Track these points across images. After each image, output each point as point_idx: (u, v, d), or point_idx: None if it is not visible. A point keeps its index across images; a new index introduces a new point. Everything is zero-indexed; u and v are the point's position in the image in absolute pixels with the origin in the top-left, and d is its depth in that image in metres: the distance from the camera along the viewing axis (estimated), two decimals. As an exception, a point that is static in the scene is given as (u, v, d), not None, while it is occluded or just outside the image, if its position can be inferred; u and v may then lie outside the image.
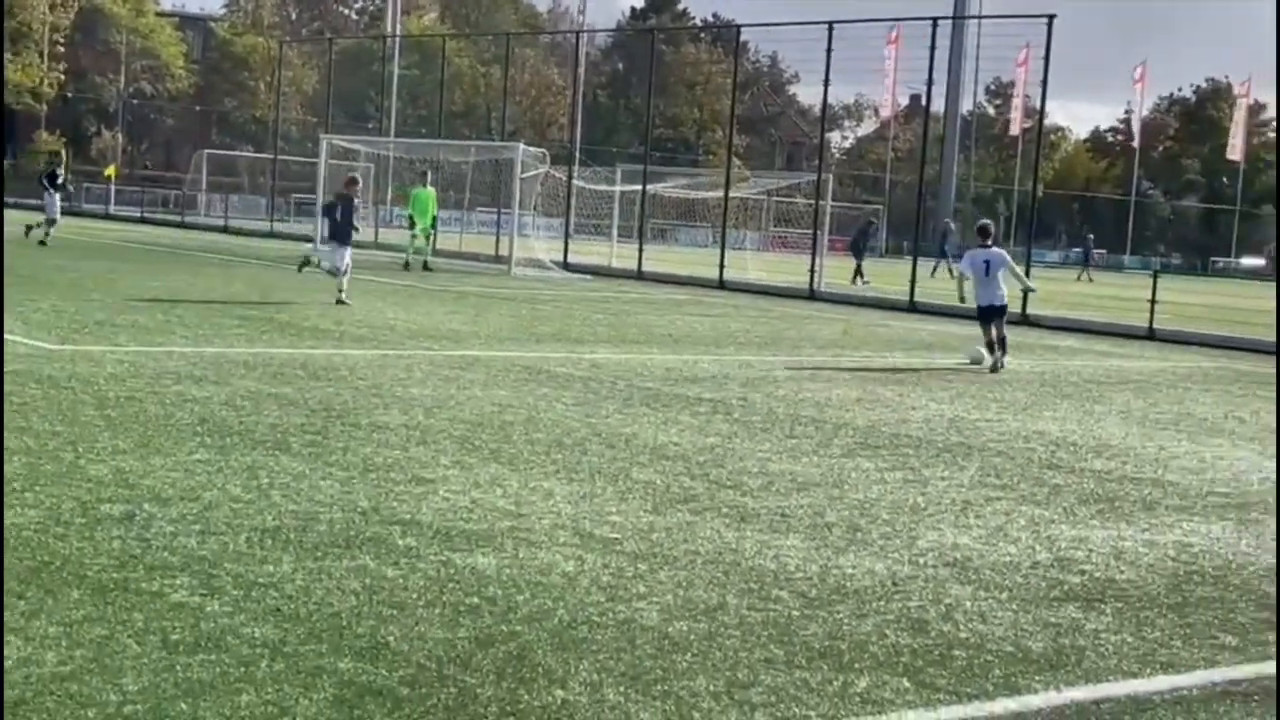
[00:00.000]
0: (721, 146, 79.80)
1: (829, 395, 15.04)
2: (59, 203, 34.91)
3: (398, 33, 74.87)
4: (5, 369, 12.29)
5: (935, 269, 47.62)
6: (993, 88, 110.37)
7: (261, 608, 6.05)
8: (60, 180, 35.58)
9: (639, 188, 42.69)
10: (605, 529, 7.97)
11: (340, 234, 22.77)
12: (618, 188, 44.82)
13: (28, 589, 6.06)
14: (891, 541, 8.22)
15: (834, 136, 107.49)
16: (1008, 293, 20.19)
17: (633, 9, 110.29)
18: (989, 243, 20.10)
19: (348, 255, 22.72)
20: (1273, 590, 7.71)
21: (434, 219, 36.22)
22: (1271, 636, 6.81)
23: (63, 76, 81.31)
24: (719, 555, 7.57)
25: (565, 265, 38.65)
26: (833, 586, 7.11)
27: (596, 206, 44.37)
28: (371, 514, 7.91)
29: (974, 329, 23.25)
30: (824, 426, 12.62)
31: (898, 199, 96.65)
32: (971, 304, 19.98)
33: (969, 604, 6.97)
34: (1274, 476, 11.59)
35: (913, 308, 32.16)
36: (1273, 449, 13.28)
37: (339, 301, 21.93)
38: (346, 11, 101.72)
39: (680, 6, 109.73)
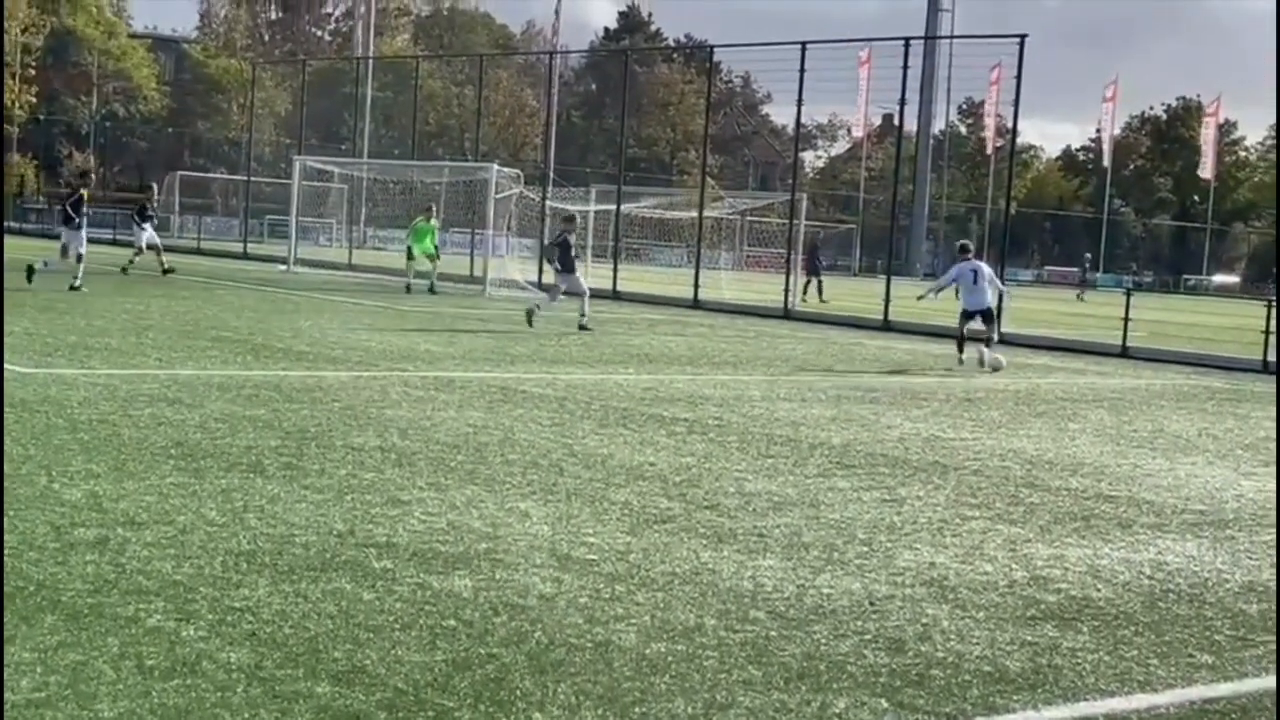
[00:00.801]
0: (695, 166, 79.97)
1: (804, 414, 15.06)
2: (150, 233, 35.04)
3: (370, 54, 74.90)
4: (-23, 393, 12.24)
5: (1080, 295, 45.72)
6: (965, 107, 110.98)
7: (237, 632, 6.02)
8: (149, 214, 35.60)
9: (613, 208, 42.73)
10: (582, 550, 7.95)
11: (567, 265, 26.24)
12: (591, 208, 44.85)
13: (1, 615, 6.02)
14: (868, 561, 8.22)
15: (807, 156, 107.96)
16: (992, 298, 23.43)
17: (606, 30, 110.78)
18: (970, 256, 23.67)
19: (580, 283, 26.26)
20: (1249, 608, 7.73)
21: (436, 248, 36.60)
22: (1248, 654, 6.82)
23: (34, 99, 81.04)
24: (696, 576, 7.56)
25: (540, 285, 38.63)
26: (810, 607, 7.10)
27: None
28: (348, 536, 7.88)
29: (948, 347, 23.33)
30: (800, 446, 12.63)
31: (871, 218, 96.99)
32: (944, 309, 22.75)
33: (946, 623, 6.98)
34: (1249, 493, 11.64)
35: (887, 326, 32.23)
36: (1247, 466, 13.34)
37: (583, 327, 25.09)
38: (319, 33, 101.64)
39: (653, 27, 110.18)
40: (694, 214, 42.34)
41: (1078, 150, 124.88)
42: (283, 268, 40.79)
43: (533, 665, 5.86)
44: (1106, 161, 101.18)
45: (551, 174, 47.80)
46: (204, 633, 5.98)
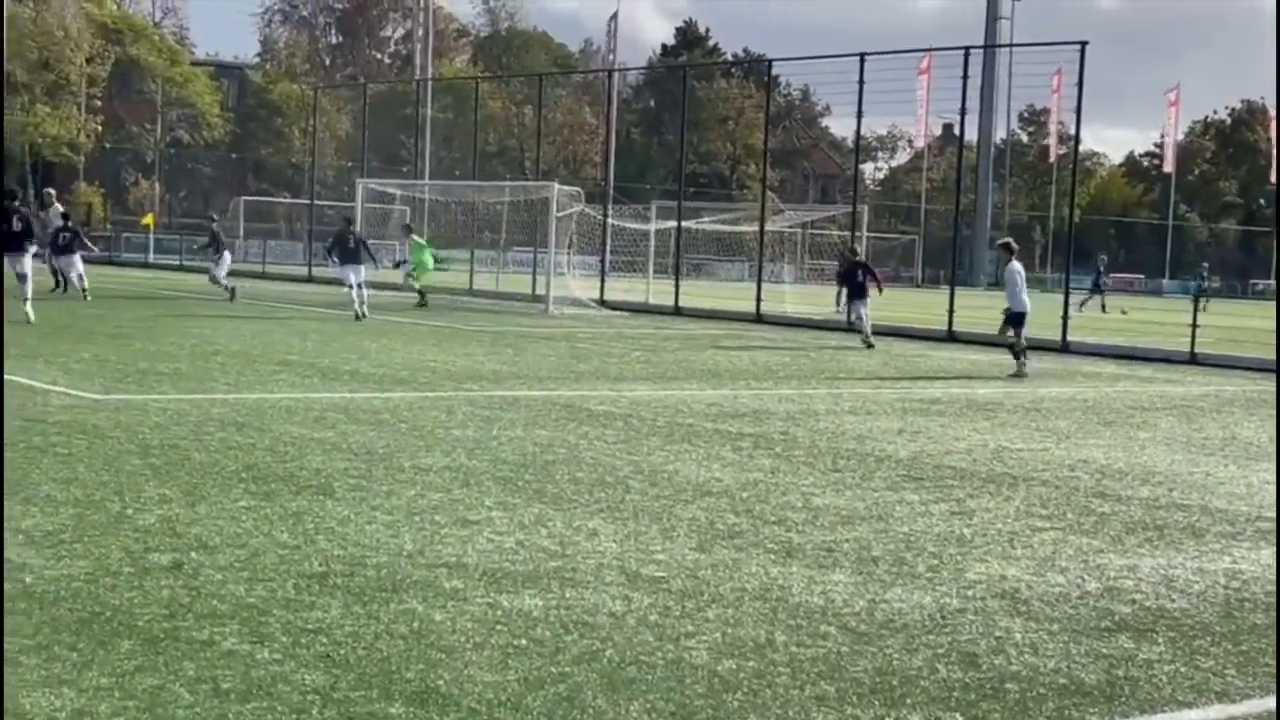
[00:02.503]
0: (755, 180, 79.92)
1: (870, 427, 15.00)
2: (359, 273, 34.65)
3: (429, 76, 75.35)
4: (50, 420, 12.40)
5: (1084, 303, 45.45)
6: (1026, 115, 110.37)
7: (311, 654, 6.06)
8: (352, 246, 34.62)
9: (674, 224, 42.76)
10: (651, 568, 7.96)
11: (856, 291, 29.10)
12: (652, 225, 44.90)
13: (79, 640, 6.09)
14: (939, 574, 8.18)
15: (868, 168, 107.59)
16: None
17: (664, 46, 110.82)
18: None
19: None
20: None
21: (433, 258, 37.88)
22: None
23: (100, 128, 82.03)
24: (766, 591, 7.55)
25: (602, 303, 38.71)
26: (881, 621, 7.07)
27: (632, 243, 44.44)
28: (417, 557, 7.92)
29: (1008, 358, 23.17)
30: (866, 459, 12.59)
31: (933, 228, 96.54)
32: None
33: (1020, 636, 6.93)
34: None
35: (951, 338, 32.06)
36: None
37: (867, 344, 27.39)
38: (379, 56, 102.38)
39: (711, 43, 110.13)
40: (755, 228, 42.29)
41: (1141, 156, 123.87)
42: (347, 289, 41.00)
43: (605, 683, 5.87)
44: (1170, 167, 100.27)
45: (612, 191, 47.90)
46: (278, 655, 6.02)
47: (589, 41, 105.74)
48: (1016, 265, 23.53)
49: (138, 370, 17.05)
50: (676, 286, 39.54)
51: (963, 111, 36.07)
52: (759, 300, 37.02)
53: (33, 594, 6.76)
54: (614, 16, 76.68)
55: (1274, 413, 18.83)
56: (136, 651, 5.97)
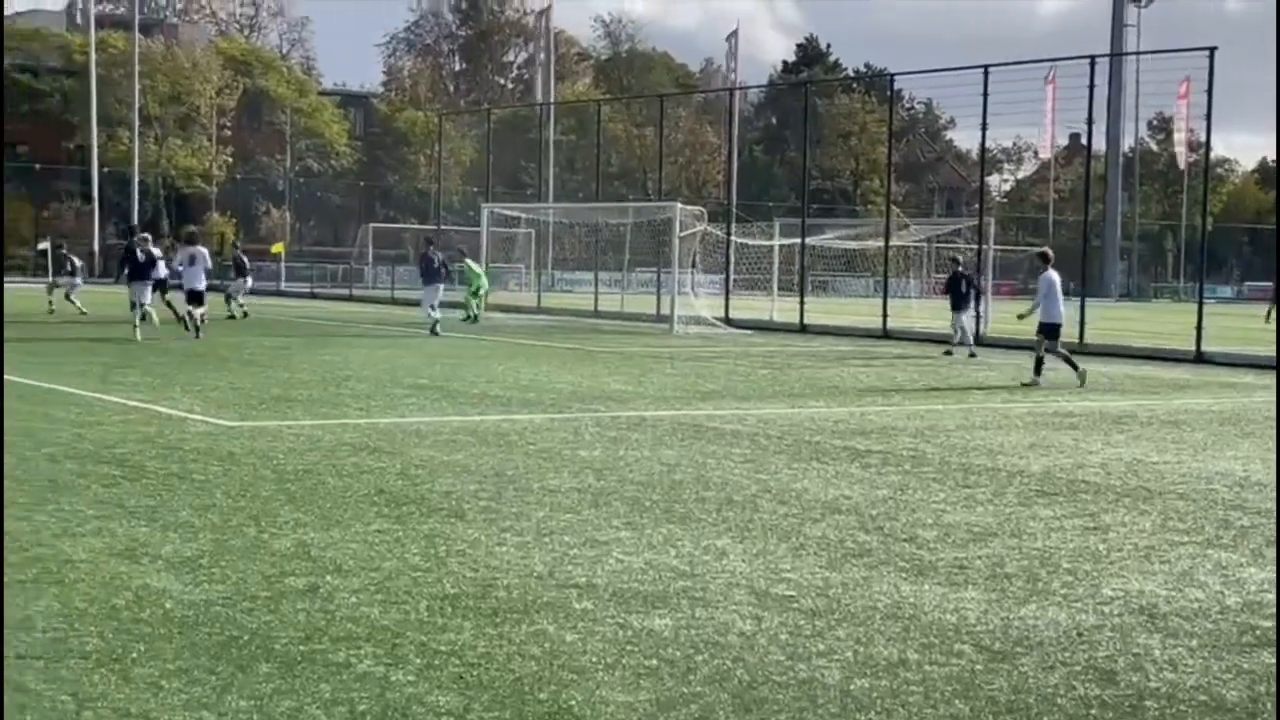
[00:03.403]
0: (879, 195, 79.46)
1: (1001, 442, 14.83)
2: (438, 292, 35.45)
3: (552, 100, 75.94)
4: (187, 447, 12.65)
5: (1270, 312, 44.09)
6: (1155, 122, 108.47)
7: (445, 675, 6.12)
8: (435, 266, 35.61)
9: (798, 241, 42.64)
10: (781, 587, 7.93)
11: (958, 302, 29.71)
12: (776, 242, 44.81)
13: (218, 664, 6.20)
14: (1074, 590, 8.06)
15: (993, 180, 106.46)
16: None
17: (784, 63, 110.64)
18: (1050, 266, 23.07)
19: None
20: None
21: (481, 285, 40.34)
22: None
23: (230, 159, 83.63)
24: (898, 610, 7.49)
25: (727, 321, 38.69)
26: (1016, 638, 6.98)
27: (756, 261, 44.38)
28: (548, 578, 7.96)
29: (1147, 369, 22.80)
30: (998, 475, 12.45)
31: (1062, 240, 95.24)
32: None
33: (1158, 653, 6.80)
34: None
35: (1082, 349, 31.57)
36: None
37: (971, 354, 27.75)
38: (502, 82, 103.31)
39: (832, 58, 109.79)
40: (880, 243, 42.04)
41: (1274, 162, 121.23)
42: (475, 315, 41.46)
43: (737, 704, 5.86)
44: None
45: (735, 209, 47.86)
46: (412, 677, 6.09)
47: (709, 61, 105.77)
48: (1052, 274, 23.11)
49: (272, 397, 17.34)
50: (801, 303, 39.41)
51: (1089, 121, 35.62)
52: (885, 316, 36.77)
53: (173, 619, 6.90)
54: (733, 34, 76.79)
55: None
56: (274, 674, 6.07)
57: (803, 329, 37.83)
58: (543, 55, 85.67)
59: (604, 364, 24.74)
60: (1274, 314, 32.46)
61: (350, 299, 56.77)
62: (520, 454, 12.85)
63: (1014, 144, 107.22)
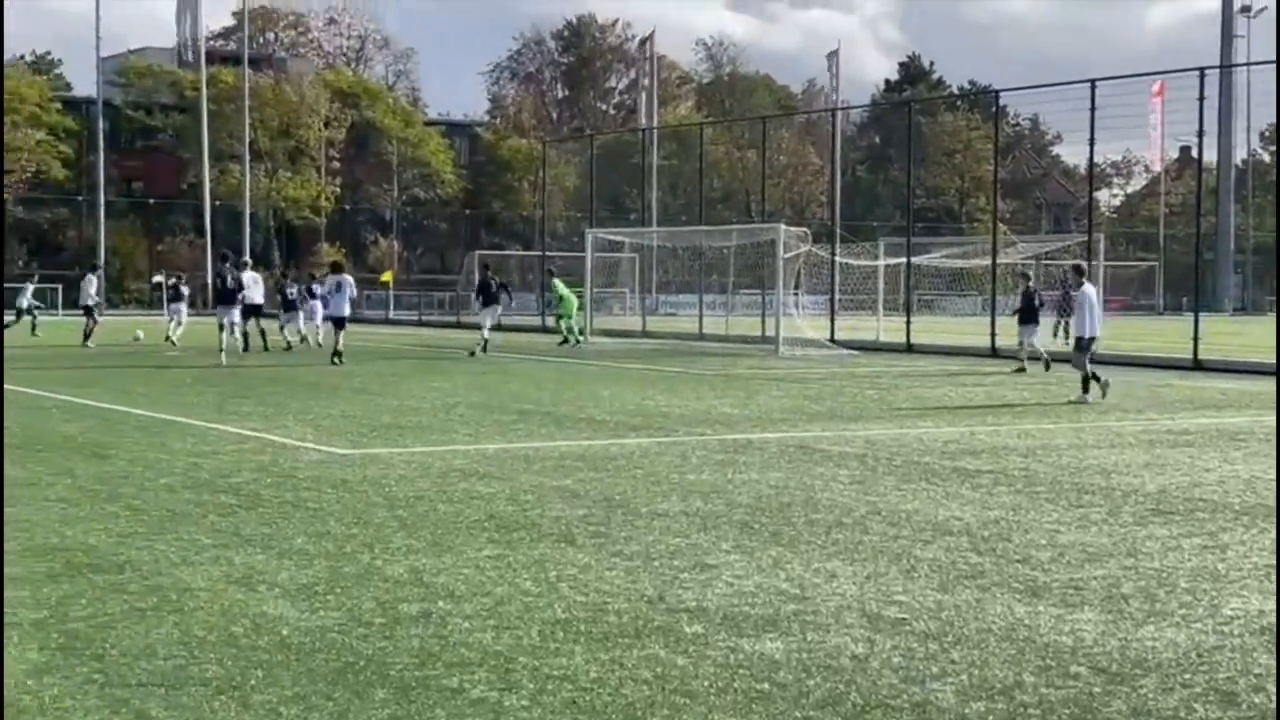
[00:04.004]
0: (985, 213, 78.81)
1: (1115, 460, 14.64)
2: (495, 314, 37.00)
3: (655, 125, 76.15)
4: (301, 475, 12.82)
5: None
6: (1268, 134, 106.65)
7: (558, 700, 6.15)
8: (494, 290, 37.12)
9: (903, 260, 42.40)
10: (893, 609, 7.88)
11: (1029, 317, 29.85)
12: (881, 262, 44.58)
13: (335, 690, 6.27)
14: (1193, 611, 7.93)
15: (1102, 195, 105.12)
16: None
17: (887, 82, 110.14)
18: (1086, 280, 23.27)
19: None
20: None
21: (569, 308, 40.70)
22: None
23: (339, 190, 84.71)
24: (1012, 631, 7.41)
25: (832, 341, 38.52)
26: (1134, 660, 6.89)
27: (861, 281, 44.17)
28: (658, 602, 7.97)
29: (1263, 384, 22.39)
30: (1112, 494, 12.28)
31: (1174, 254, 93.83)
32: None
33: (1281, 674, 6.68)
34: None
35: (1197, 366, 31.10)
36: None
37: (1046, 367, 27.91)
38: (604, 108, 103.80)
39: (935, 76, 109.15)
40: (986, 261, 41.69)
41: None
42: (580, 338, 41.68)
43: (850, 727, 5.82)
44: None
45: (838, 230, 47.71)
46: (526, 702, 6.12)
47: (811, 82, 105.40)
48: (1088, 288, 23.06)
49: (383, 424, 17.52)
50: (908, 323, 39.14)
51: (1200, 133, 35.05)
52: (994, 334, 36.40)
53: (289, 645, 6.99)
54: (834, 54, 76.56)
55: None
56: (390, 700, 6.13)
57: (909, 349, 37.56)
58: (646, 80, 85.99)
59: (710, 386, 24.73)
60: None
61: (458, 325, 57.19)
62: (628, 478, 12.88)
63: (1123, 158, 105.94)
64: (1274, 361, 23.39)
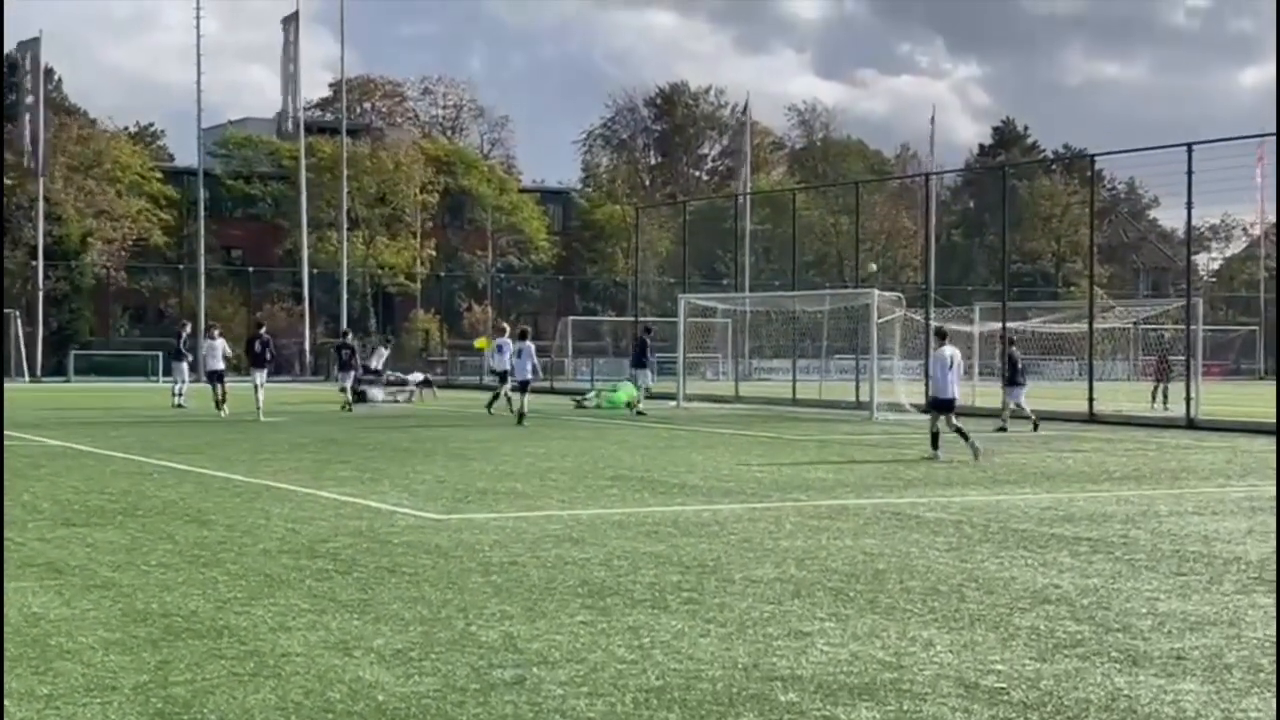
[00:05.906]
0: (1082, 277, 78.09)
1: (1217, 528, 14.40)
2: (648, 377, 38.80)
3: (748, 190, 76.34)
4: (396, 540, 12.91)
5: None
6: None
7: (651, 768, 6.12)
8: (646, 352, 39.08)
9: (999, 325, 42.08)
10: (990, 678, 7.79)
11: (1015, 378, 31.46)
12: (976, 326, 44.29)
13: (430, 754, 6.29)
14: (1298, 682, 7.77)
15: (1201, 259, 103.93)
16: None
17: (981, 146, 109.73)
18: (946, 343, 24.11)
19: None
20: None
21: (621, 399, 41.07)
22: None
23: (434, 255, 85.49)
24: (1112, 702, 7.30)
25: (925, 409, 38.19)
26: (1238, 733, 6.76)
27: (956, 346, 43.86)
28: (752, 670, 7.94)
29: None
30: (1214, 562, 12.08)
31: (1274, 318, 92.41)
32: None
33: (1391, 748, 6.52)
34: None
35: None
36: None
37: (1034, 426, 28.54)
38: (697, 173, 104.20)
39: (1029, 140, 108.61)
40: (1083, 326, 41.29)
41: None
42: (673, 404, 41.67)
43: (947, 798, 5.75)
44: None
45: (933, 294, 47.49)
46: (619, 769, 6.10)
47: (905, 146, 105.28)
48: (947, 349, 23.72)
49: (477, 490, 17.61)
50: (1003, 388, 38.71)
51: (1299, 195, 34.60)
52: (1091, 399, 36.03)
53: (385, 711, 7.03)
54: (932, 119, 76.51)
55: None
56: (484, 766, 6.14)
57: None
58: (738, 148, 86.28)
59: (803, 451, 24.63)
60: None
61: (551, 391, 57.40)
62: (721, 544, 12.85)
63: (1221, 221, 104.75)
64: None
